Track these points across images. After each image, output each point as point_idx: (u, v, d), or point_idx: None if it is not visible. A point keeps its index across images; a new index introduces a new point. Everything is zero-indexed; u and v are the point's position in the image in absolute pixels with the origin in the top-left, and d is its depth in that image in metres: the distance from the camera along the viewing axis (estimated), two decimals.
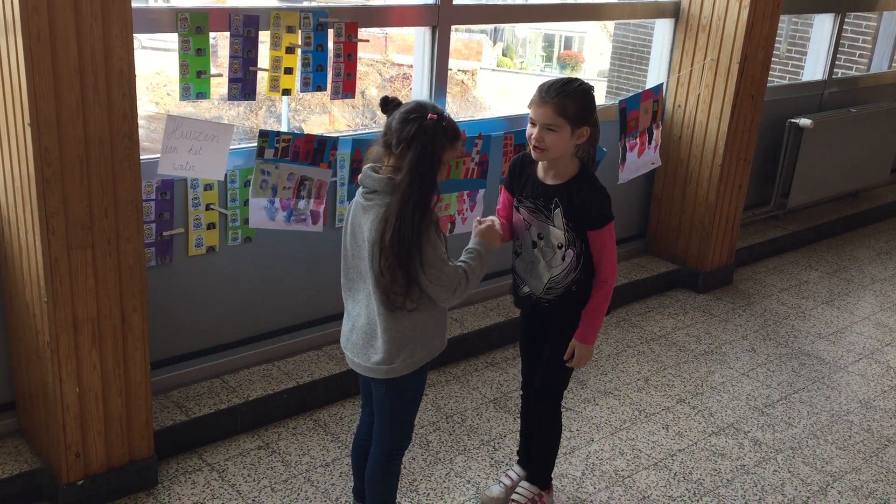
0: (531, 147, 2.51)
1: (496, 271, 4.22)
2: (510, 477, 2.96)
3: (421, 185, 2.17)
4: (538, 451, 2.87)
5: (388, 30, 14.77)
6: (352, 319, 2.43)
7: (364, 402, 2.63)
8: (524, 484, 2.89)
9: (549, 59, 26.80)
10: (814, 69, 5.80)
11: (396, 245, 2.18)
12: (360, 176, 2.31)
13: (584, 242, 2.56)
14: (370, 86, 17.65)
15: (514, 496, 2.86)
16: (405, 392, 2.44)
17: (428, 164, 2.19)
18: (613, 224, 2.55)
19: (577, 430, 3.39)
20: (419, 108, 2.22)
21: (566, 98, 2.45)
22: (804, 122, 5.32)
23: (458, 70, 18.66)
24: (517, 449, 3.06)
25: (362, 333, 2.38)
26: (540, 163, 2.58)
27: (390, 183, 2.22)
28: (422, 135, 2.18)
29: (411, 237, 2.17)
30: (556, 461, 3.11)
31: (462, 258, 2.45)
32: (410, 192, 2.17)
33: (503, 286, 4.23)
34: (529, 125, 2.51)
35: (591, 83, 2.55)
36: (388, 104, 2.31)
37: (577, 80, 2.51)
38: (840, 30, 5.69)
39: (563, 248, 2.58)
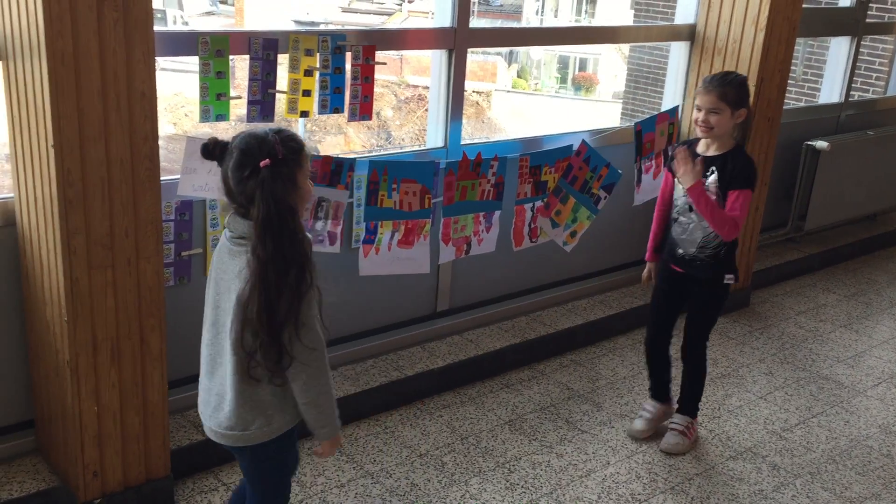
0: (699, 128, 3.13)
1: (507, 293, 4.23)
2: (648, 410, 3.52)
3: (276, 243, 1.92)
4: (689, 386, 3.44)
5: (404, 51, 14.89)
6: (208, 378, 2.16)
7: None
8: (677, 416, 3.46)
9: (563, 80, 26.90)
10: (830, 92, 5.80)
11: (266, 318, 1.93)
12: (227, 218, 2.08)
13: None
14: (385, 107, 17.77)
15: (671, 425, 3.45)
16: (269, 459, 2.21)
17: (278, 215, 1.92)
18: (751, 196, 3.13)
19: (594, 452, 3.37)
20: (249, 155, 1.94)
21: (726, 86, 3.08)
22: (821, 144, 5.30)
23: (473, 91, 18.76)
24: (648, 387, 3.56)
25: (215, 394, 2.14)
26: (702, 140, 3.21)
27: None
28: (262, 189, 1.92)
29: (281, 302, 1.93)
30: (572, 483, 3.13)
31: None
32: (266, 255, 1.92)
33: (517, 307, 4.23)
34: (696, 111, 3.15)
35: (744, 75, 3.22)
36: (212, 152, 2.03)
37: (733, 72, 3.21)
38: (857, 52, 5.68)
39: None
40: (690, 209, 3.20)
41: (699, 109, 3.13)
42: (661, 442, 3.43)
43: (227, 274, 2.04)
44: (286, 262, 1.94)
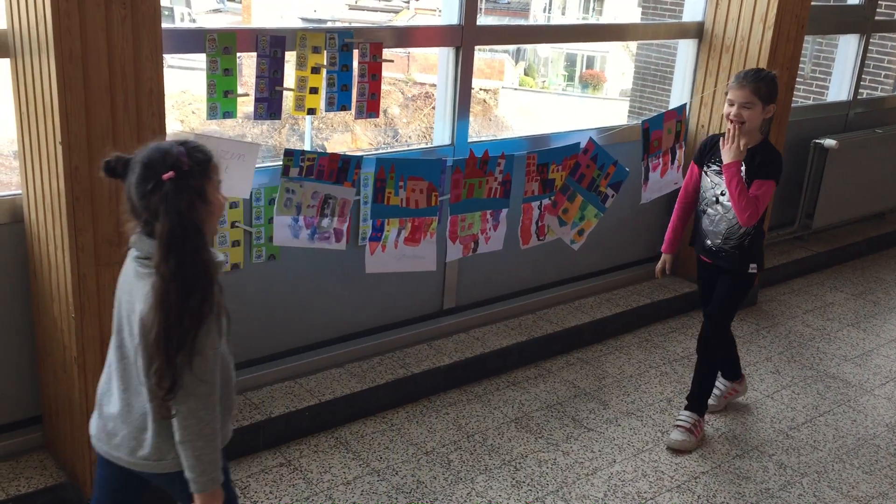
0: (730, 122, 3.21)
1: (513, 291, 4.23)
2: (718, 387, 3.66)
3: (180, 261, 1.79)
4: (699, 382, 3.48)
5: (411, 49, 14.89)
6: (111, 404, 2.01)
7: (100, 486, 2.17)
8: (684, 413, 3.50)
9: (570, 78, 26.86)
10: (839, 90, 5.78)
11: (163, 344, 1.79)
12: (132, 238, 1.92)
13: None
14: (392, 104, 17.77)
15: (678, 422, 3.47)
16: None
17: (182, 231, 1.80)
18: (774, 187, 3.24)
19: (600, 450, 3.37)
20: (152, 168, 1.82)
21: (759, 81, 3.18)
22: (829, 142, 5.29)
23: (480, 89, 18.75)
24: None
25: (121, 422, 1.98)
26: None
27: None
28: (165, 203, 1.79)
29: (181, 326, 1.80)
30: (578, 481, 3.14)
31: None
32: (169, 274, 1.78)
33: (523, 306, 4.23)
34: (727, 105, 3.24)
35: (774, 72, 3.30)
36: (114, 169, 1.88)
37: (764, 69, 3.30)
38: (865, 50, 5.66)
39: None
40: (717, 201, 3.33)
41: (731, 104, 3.22)
42: (668, 439, 3.44)
43: (132, 297, 1.90)
44: (189, 282, 1.80)
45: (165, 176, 1.80)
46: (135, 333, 1.89)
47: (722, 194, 3.32)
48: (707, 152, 3.42)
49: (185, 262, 1.80)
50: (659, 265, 3.61)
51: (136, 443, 1.96)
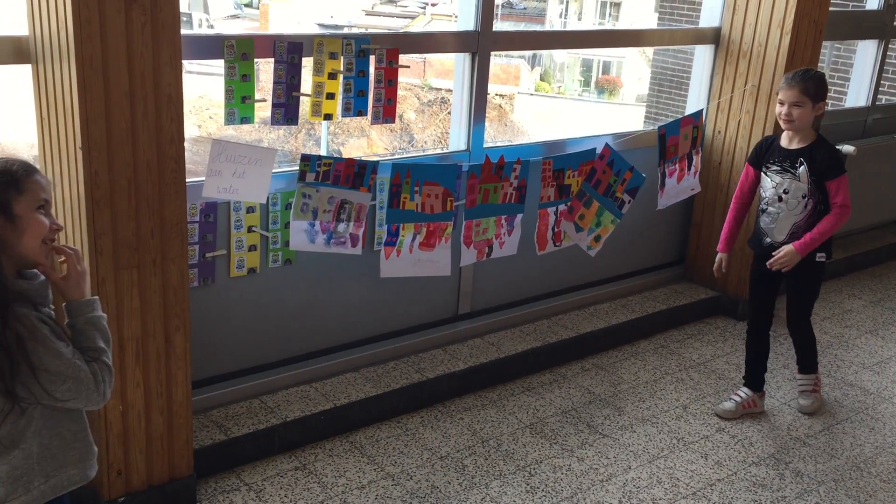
0: (782, 121, 3.40)
1: (529, 297, 4.22)
2: (740, 395, 3.73)
3: None
4: (803, 350, 3.75)
5: (427, 54, 14.93)
6: None
7: None
8: (801, 377, 3.80)
9: (586, 83, 26.83)
10: (857, 95, 5.74)
11: None
12: None
13: (821, 193, 3.39)
14: (408, 110, 17.81)
15: (801, 387, 3.81)
16: None
17: None
18: (847, 178, 3.39)
19: (615, 457, 3.36)
20: None
21: (808, 81, 3.33)
22: (847, 148, 5.25)
23: (496, 94, 18.76)
24: (743, 375, 3.80)
25: None
26: (784, 134, 3.47)
27: None
28: None
29: None
30: (592, 488, 3.14)
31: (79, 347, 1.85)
32: None
33: (538, 311, 4.22)
34: (778, 105, 3.40)
35: (822, 71, 3.50)
36: None
37: (812, 69, 3.46)
38: (884, 56, 5.62)
39: (806, 198, 3.42)
40: (780, 199, 3.46)
41: (782, 104, 3.38)
42: (798, 405, 3.77)
43: None
44: None
45: None
46: None
47: (785, 192, 3.45)
48: (763, 154, 3.55)
49: None
50: (716, 265, 3.73)
51: None
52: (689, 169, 4.21)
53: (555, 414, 3.63)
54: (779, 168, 3.47)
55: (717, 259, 3.72)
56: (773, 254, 3.46)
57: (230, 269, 3.17)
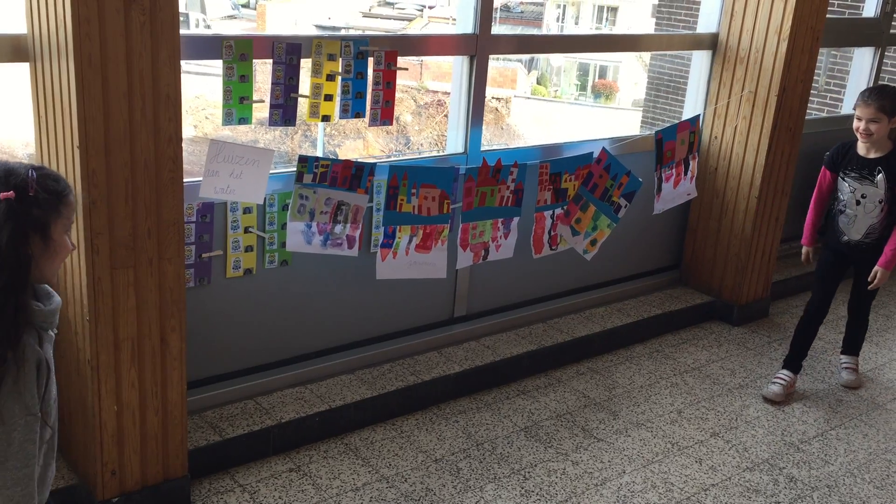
0: (860, 136, 3.68)
1: (524, 300, 4.23)
2: (784, 378, 3.98)
3: None
4: (857, 333, 4.19)
5: (425, 57, 14.95)
6: None
7: None
8: (846, 357, 4.21)
9: (583, 87, 26.88)
10: (853, 103, 5.75)
11: None
12: None
13: (894, 200, 3.69)
14: (405, 112, 17.82)
15: (845, 365, 4.20)
16: None
17: (3, 261, 1.54)
18: None
19: (609, 461, 3.36)
20: None
21: (884, 99, 3.61)
22: None
23: (493, 98, 18.79)
24: (784, 357, 4.06)
25: None
26: (861, 143, 3.72)
27: None
28: None
29: None
30: (587, 492, 3.14)
31: None
32: None
33: (534, 314, 4.23)
34: (856, 120, 3.68)
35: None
36: None
37: (889, 85, 3.79)
38: (880, 63, 5.64)
39: (882, 202, 3.71)
40: (858, 203, 3.74)
41: (859, 119, 3.66)
42: (842, 380, 4.11)
43: None
44: None
45: (2, 195, 1.55)
46: None
47: (863, 196, 3.73)
48: (841, 161, 3.81)
49: None
50: (804, 256, 4.04)
51: None
52: (685, 174, 4.22)
53: (550, 417, 3.63)
54: (857, 175, 3.74)
55: (804, 252, 4.03)
56: (871, 280, 3.78)
57: (226, 270, 3.17)
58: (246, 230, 3.17)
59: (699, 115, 4.44)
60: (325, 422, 3.32)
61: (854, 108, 3.75)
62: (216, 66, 2.90)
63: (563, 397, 3.80)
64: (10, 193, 1.56)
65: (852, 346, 4.20)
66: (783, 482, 3.32)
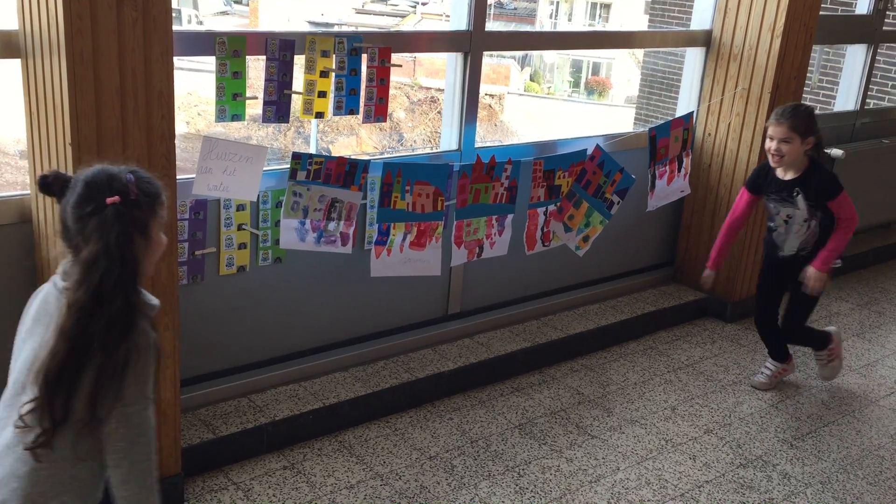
0: (772, 158, 3.52)
1: (518, 297, 4.23)
2: (769, 367, 3.97)
3: (96, 293, 1.61)
4: (807, 342, 3.97)
5: (418, 53, 14.92)
6: None
7: None
8: (816, 353, 4.02)
9: (576, 84, 26.88)
10: (846, 99, 5.77)
11: (53, 374, 1.61)
12: (62, 265, 1.73)
13: (823, 214, 3.57)
14: (398, 108, 17.81)
15: (818, 360, 4.02)
16: None
17: (108, 260, 1.62)
18: (846, 194, 3.55)
19: (603, 458, 3.36)
20: (95, 189, 1.66)
21: (796, 119, 3.44)
22: (836, 152, 5.28)
23: (486, 94, 18.79)
24: (767, 352, 4.01)
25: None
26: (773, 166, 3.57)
27: None
28: (101, 228, 1.63)
29: (80, 365, 1.62)
30: (581, 489, 3.13)
31: None
32: (79, 303, 1.61)
33: (528, 311, 4.23)
34: (767, 140, 3.53)
35: (811, 105, 3.69)
36: (50, 187, 1.72)
37: (801, 104, 3.62)
38: (873, 60, 5.66)
39: (808, 221, 3.61)
40: (786, 223, 3.64)
41: (771, 139, 3.50)
42: (820, 377, 4.04)
43: (42, 327, 1.72)
44: (101, 316, 1.61)
45: (109, 200, 1.64)
46: (27, 365, 1.70)
47: (789, 217, 3.62)
48: (762, 183, 3.69)
49: (102, 295, 1.61)
50: (703, 279, 3.90)
51: (8, 490, 1.71)
52: (679, 171, 4.23)
53: (544, 414, 3.64)
54: (777, 198, 3.64)
55: (705, 274, 3.87)
56: (803, 281, 3.64)
57: (220, 267, 3.16)
58: (239, 227, 3.16)
59: (693, 111, 4.44)
60: (319, 419, 3.31)
61: (766, 127, 3.60)
62: (209, 62, 2.89)
63: (557, 394, 3.81)
64: (117, 198, 1.65)
65: (814, 346, 4.02)
66: (777, 478, 3.33)
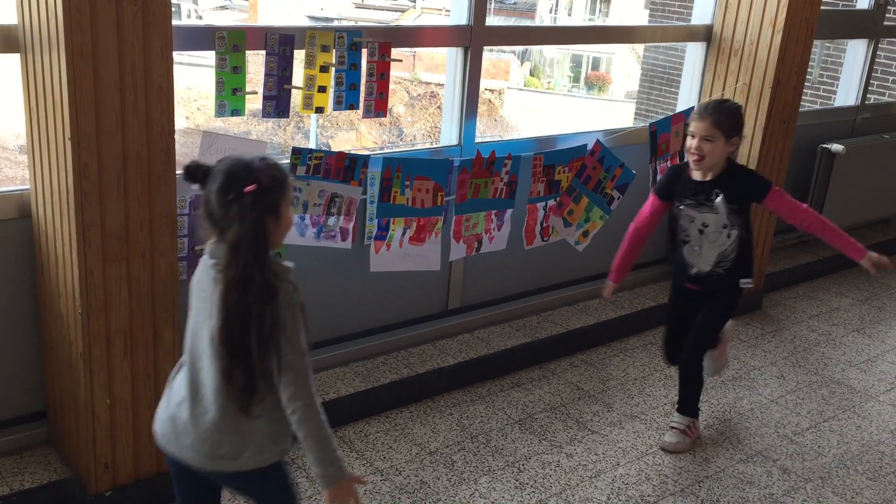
0: (690, 157, 3.08)
1: (518, 292, 4.23)
2: (679, 424, 3.43)
3: (245, 270, 1.87)
4: (687, 387, 3.42)
5: (418, 48, 14.90)
6: (182, 406, 2.04)
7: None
8: (677, 416, 3.46)
9: (576, 79, 26.85)
10: (846, 95, 5.76)
11: (228, 344, 1.90)
12: (208, 244, 2.00)
13: (742, 222, 3.15)
14: (398, 103, 17.79)
15: (672, 424, 3.44)
16: (266, 484, 2.11)
17: (254, 241, 1.88)
18: (775, 186, 3.15)
19: (603, 453, 3.36)
20: (234, 179, 1.89)
21: (721, 113, 3.02)
22: (836, 147, 5.28)
23: (486, 89, 18.77)
24: (677, 401, 3.49)
25: (192, 424, 2.01)
26: (692, 168, 3.13)
27: None
28: (241, 214, 1.87)
29: (247, 332, 1.88)
30: (581, 484, 3.13)
31: None
32: (232, 280, 1.87)
33: (528, 307, 4.22)
34: (689, 139, 3.08)
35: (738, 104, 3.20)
36: (194, 175, 1.97)
37: (729, 99, 3.14)
38: (874, 55, 5.65)
39: (728, 228, 3.15)
40: (701, 233, 3.20)
41: (692, 136, 3.07)
42: (662, 441, 3.43)
43: (206, 303, 1.97)
44: (251, 290, 1.87)
45: (247, 189, 1.88)
46: (205, 337, 1.97)
47: (704, 225, 3.17)
48: (673, 187, 3.23)
49: (249, 271, 1.87)
50: (605, 291, 3.48)
51: (210, 443, 2.00)
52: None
53: (544, 410, 3.64)
54: (693, 202, 3.17)
55: (607, 285, 3.46)
56: (872, 266, 3.10)
57: None
58: None
59: (693, 106, 4.42)
60: None
61: (688, 123, 3.15)
62: (208, 56, 2.88)
63: (557, 389, 3.81)
64: (254, 186, 1.88)
65: (684, 402, 3.45)
66: (777, 474, 3.33)
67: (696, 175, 3.17)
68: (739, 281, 3.27)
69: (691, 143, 3.07)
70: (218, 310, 1.89)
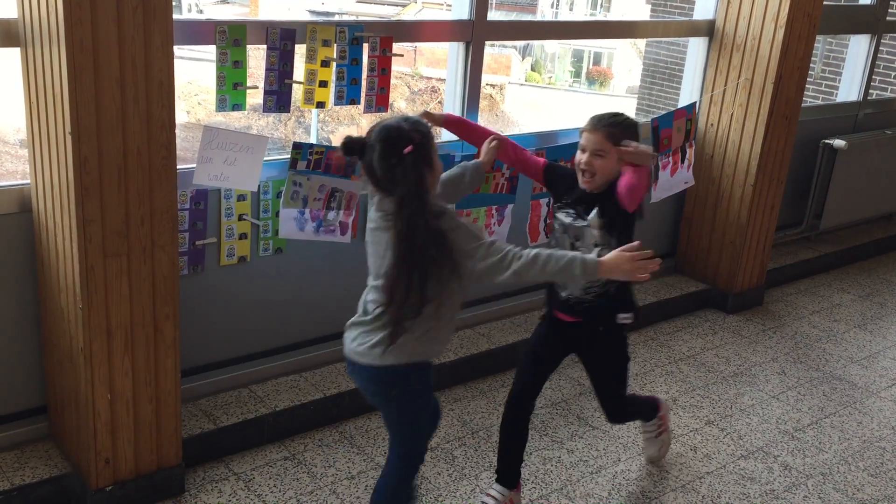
0: (581, 174, 2.72)
1: (520, 288, 4.22)
2: (494, 497, 2.89)
3: (412, 220, 2.17)
4: (634, 415, 3.21)
5: (419, 43, 14.87)
6: (371, 321, 2.41)
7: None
8: (643, 425, 3.25)
9: (577, 74, 26.79)
10: (849, 90, 5.75)
11: (404, 283, 2.23)
12: (377, 198, 2.30)
13: (617, 242, 2.60)
14: (398, 98, 17.76)
15: (645, 434, 3.27)
16: (409, 388, 2.40)
17: (417, 194, 2.18)
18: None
19: (604, 449, 3.36)
20: (392, 145, 2.19)
21: (615, 127, 2.68)
22: (838, 143, 5.26)
23: (487, 84, 18.74)
24: (496, 469, 2.93)
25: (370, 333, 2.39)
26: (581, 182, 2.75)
27: None
28: (405, 172, 2.18)
29: (417, 272, 2.21)
30: (582, 479, 3.14)
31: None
32: (403, 231, 2.18)
33: (529, 302, 4.22)
34: (579, 152, 2.73)
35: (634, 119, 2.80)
36: (353, 149, 2.28)
37: (623, 114, 2.78)
38: (876, 51, 5.63)
39: (600, 248, 2.67)
40: (572, 247, 2.75)
41: (582, 150, 2.70)
42: (646, 457, 3.29)
43: (379, 246, 2.30)
44: (423, 235, 2.15)
45: (406, 150, 2.15)
46: (382, 271, 2.30)
47: (576, 239, 2.75)
48: (564, 183, 2.83)
49: (415, 220, 2.15)
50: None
51: (367, 339, 2.36)
52: (682, 162, 4.21)
53: (545, 405, 3.63)
54: (572, 212, 2.77)
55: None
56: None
57: (220, 258, 3.15)
58: (240, 218, 3.14)
59: (696, 102, 4.42)
60: (320, 410, 3.31)
61: (580, 135, 2.75)
62: (209, 51, 2.87)
63: (558, 385, 3.80)
64: (410, 147, 2.16)
65: (643, 418, 3.22)
66: (778, 470, 3.33)
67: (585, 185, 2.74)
68: (617, 316, 2.80)
69: (580, 157, 2.70)
70: (396, 256, 2.21)
